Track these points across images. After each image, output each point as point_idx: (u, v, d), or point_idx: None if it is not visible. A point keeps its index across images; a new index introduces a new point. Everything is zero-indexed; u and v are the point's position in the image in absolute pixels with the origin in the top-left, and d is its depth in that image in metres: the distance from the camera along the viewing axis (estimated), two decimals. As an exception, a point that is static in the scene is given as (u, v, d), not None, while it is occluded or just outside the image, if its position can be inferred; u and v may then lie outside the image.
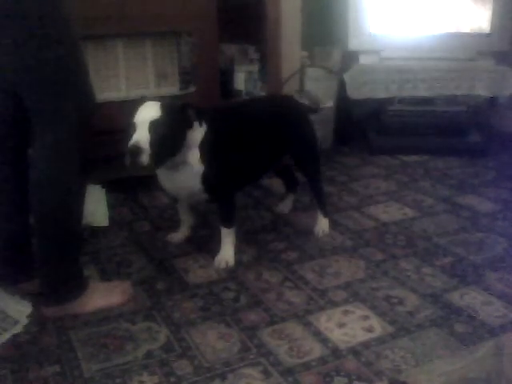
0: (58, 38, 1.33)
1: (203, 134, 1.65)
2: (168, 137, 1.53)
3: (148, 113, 1.52)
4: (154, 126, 1.50)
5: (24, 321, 1.46)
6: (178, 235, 1.91)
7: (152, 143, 1.49)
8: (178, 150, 1.59)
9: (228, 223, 1.76)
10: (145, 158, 1.49)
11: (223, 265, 1.73)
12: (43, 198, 1.39)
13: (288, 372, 1.28)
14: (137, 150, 1.48)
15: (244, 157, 1.74)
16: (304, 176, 1.98)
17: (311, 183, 1.96)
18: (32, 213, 1.42)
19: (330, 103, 2.65)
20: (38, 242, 1.42)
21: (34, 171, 1.38)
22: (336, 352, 1.34)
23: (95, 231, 1.94)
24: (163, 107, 1.54)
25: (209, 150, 1.65)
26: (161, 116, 1.52)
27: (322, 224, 1.95)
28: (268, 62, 2.41)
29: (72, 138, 1.38)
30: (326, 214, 1.96)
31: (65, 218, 1.42)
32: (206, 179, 1.66)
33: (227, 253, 1.75)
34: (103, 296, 1.52)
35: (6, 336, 1.41)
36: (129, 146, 1.48)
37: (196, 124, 1.61)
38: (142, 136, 1.49)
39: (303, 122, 1.92)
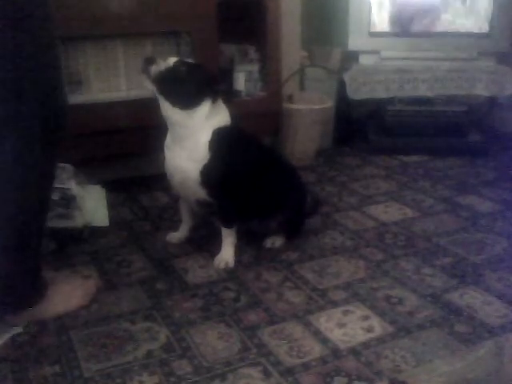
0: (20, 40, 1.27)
1: (224, 124, 1.67)
2: (185, 79, 1.62)
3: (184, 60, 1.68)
4: (177, 63, 1.62)
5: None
6: (178, 235, 1.90)
7: (168, 69, 1.61)
8: (185, 101, 1.62)
9: (228, 223, 1.75)
10: (155, 70, 1.60)
11: (222, 265, 1.72)
12: None
13: (288, 372, 1.28)
14: (152, 61, 1.61)
15: (249, 175, 1.73)
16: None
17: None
18: None
19: (329, 103, 2.65)
20: None
21: None
22: (336, 352, 1.34)
23: (95, 231, 1.94)
24: (195, 64, 1.68)
25: (221, 141, 1.65)
26: (188, 62, 1.66)
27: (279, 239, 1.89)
28: (268, 62, 2.41)
29: (32, 145, 1.33)
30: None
31: (22, 223, 1.38)
32: (206, 172, 1.64)
33: (227, 253, 1.75)
34: (63, 300, 1.50)
35: (6, 336, 1.41)
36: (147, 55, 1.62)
37: (220, 107, 1.67)
38: (162, 61, 1.61)
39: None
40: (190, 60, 1.72)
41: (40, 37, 1.33)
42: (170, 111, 1.64)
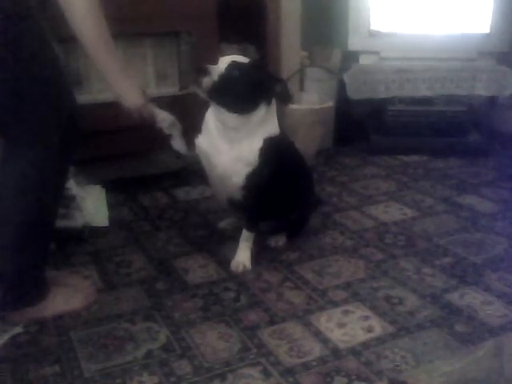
0: (30, 55, 1.30)
1: (274, 133, 1.66)
2: (239, 85, 1.56)
3: (237, 58, 1.59)
4: (230, 68, 1.55)
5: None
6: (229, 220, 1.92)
7: (220, 78, 1.54)
8: (240, 107, 1.58)
9: (252, 227, 1.75)
10: (207, 82, 1.53)
11: (241, 268, 1.71)
12: (16, 205, 1.38)
13: (288, 372, 1.28)
14: (203, 71, 1.53)
15: (285, 183, 1.73)
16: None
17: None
18: None
19: (329, 103, 2.65)
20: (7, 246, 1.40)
21: (8, 180, 1.37)
22: (336, 352, 1.34)
23: (95, 231, 1.94)
24: (255, 63, 1.60)
25: (270, 150, 1.64)
26: (241, 64, 1.57)
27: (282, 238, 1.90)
28: (268, 61, 2.41)
29: (50, 152, 1.37)
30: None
31: (37, 220, 1.41)
32: (252, 177, 1.63)
33: (244, 256, 1.74)
34: (64, 301, 1.51)
35: (6, 336, 1.41)
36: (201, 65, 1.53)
37: (272, 113, 1.65)
38: (216, 66, 1.55)
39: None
40: (244, 59, 1.62)
41: (46, 51, 1.36)
42: (225, 117, 1.61)
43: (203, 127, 1.70)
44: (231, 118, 1.60)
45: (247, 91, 1.58)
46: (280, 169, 1.68)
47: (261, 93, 1.60)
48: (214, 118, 1.66)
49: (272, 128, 1.67)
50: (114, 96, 1.54)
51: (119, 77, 1.50)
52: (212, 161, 1.67)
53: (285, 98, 1.68)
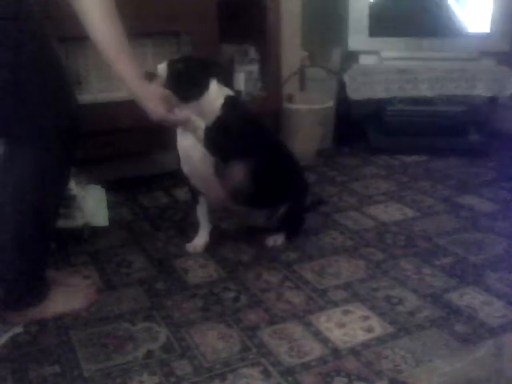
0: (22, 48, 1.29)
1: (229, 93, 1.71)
2: (187, 74, 1.64)
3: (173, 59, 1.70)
4: (171, 65, 1.64)
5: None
6: (199, 242, 1.85)
7: (168, 75, 1.62)
8: (195, 92, 1.64)
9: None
10: (159, 82, 1.60)
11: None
12: (16, 208, 1.38)
13: (288, 372, 1.28)
14: (152, 76, 1.60)
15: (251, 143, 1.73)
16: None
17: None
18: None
19: (330, 103, 2.65)
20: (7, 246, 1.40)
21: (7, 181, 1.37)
22: (336, 352, 1.34)
23: (95, 231, 1.94)
24: (188, 58, 1.74)
25: (230, 105, 1.68)
26: (176, 60, 1.68)
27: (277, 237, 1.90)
28: (268, 62, 2.41)
29: (50, 153, 1.37)
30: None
31: (37, 220, 1.40)
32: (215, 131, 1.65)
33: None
34: (64, 301, 1.51)
35: (6, 336, 1.41)
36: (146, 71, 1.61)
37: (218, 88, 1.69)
38: (160, 67, 1.64)
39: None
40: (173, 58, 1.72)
41: (46, 50, 1.36)
42: (183, 108, 1.63)
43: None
44: (190, 107, 1.63)
45: (195, 78, 1.65)
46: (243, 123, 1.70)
47: (209, 73, 1.67)
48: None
49: (226, 91, 1.70)
50: (135, 99, 1.54)
51: (137, 81, 1.50)
52: (193, 157, 1.69)
53: (225, 80, 1.74)
